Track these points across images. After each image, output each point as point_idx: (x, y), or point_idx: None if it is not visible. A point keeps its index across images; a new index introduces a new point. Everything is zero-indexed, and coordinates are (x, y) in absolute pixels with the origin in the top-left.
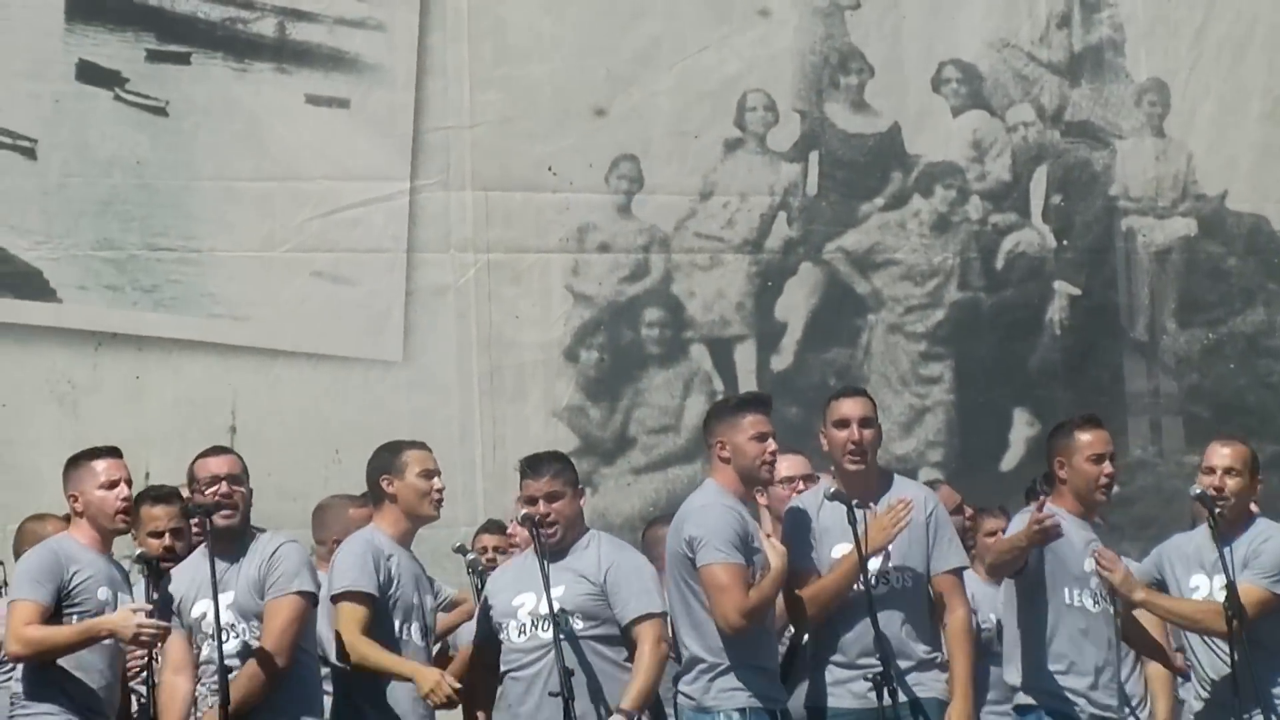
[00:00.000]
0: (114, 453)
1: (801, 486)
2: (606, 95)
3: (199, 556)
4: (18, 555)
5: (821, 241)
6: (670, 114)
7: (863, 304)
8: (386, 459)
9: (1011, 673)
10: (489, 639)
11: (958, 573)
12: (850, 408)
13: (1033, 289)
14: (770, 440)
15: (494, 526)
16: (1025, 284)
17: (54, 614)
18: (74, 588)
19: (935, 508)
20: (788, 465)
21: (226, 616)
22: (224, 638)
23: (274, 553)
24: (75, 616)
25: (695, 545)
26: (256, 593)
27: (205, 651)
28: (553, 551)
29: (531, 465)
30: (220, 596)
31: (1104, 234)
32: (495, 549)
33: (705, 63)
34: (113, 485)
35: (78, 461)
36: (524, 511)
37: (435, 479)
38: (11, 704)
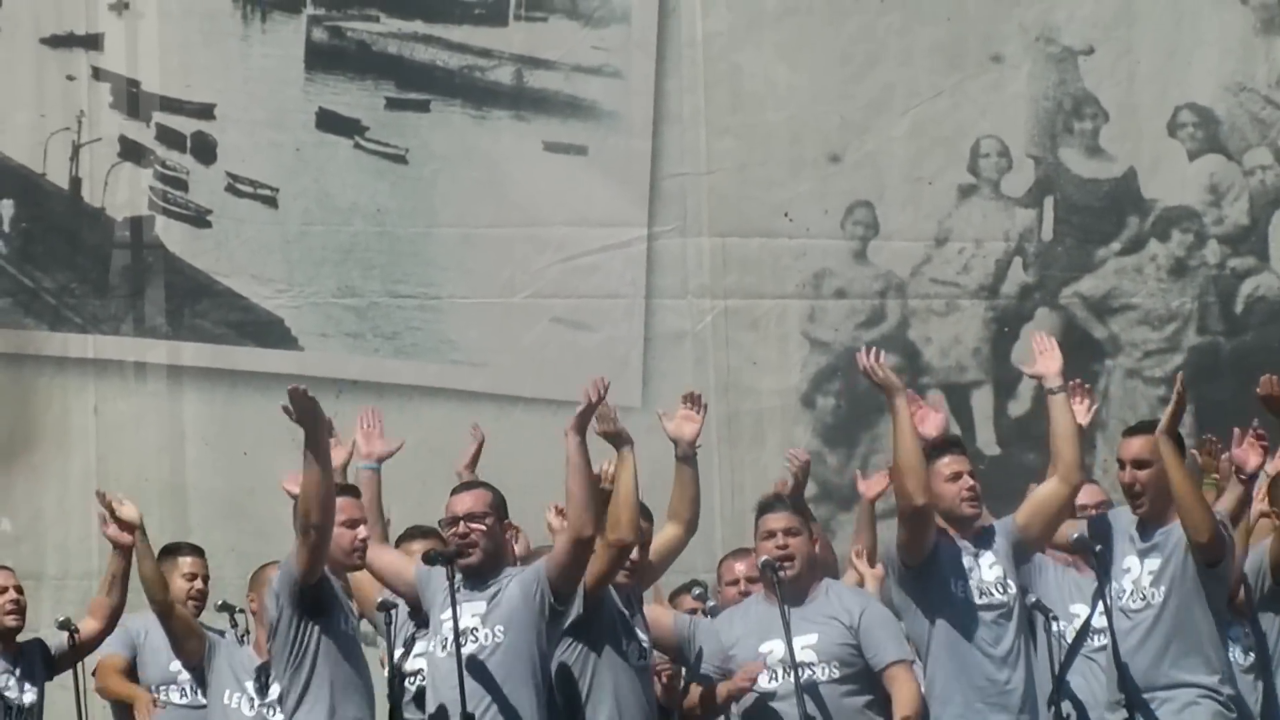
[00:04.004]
0: (352, 491)
1: (1092, 513)
2: (841, 142)
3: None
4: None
5: (1058, 287)
6: (904, 160)
7: (1100, 349)
8: None
9: None
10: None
11: None
12: (1127, 448)
13: (1273, 333)
14: (965, 478)
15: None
16: (1265, 328)
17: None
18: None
19: None
20: (1085, 494)
21: (472, 623)
22: (465, 641)
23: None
24: (342, 617)
25: None
26: (512, 601)
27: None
28: (791, 595)
29: (773, 499)
30: (467, 605)
31: None
32: None
33: (939, 109)
34: (353, 525)
35: None
36: (764, 558)
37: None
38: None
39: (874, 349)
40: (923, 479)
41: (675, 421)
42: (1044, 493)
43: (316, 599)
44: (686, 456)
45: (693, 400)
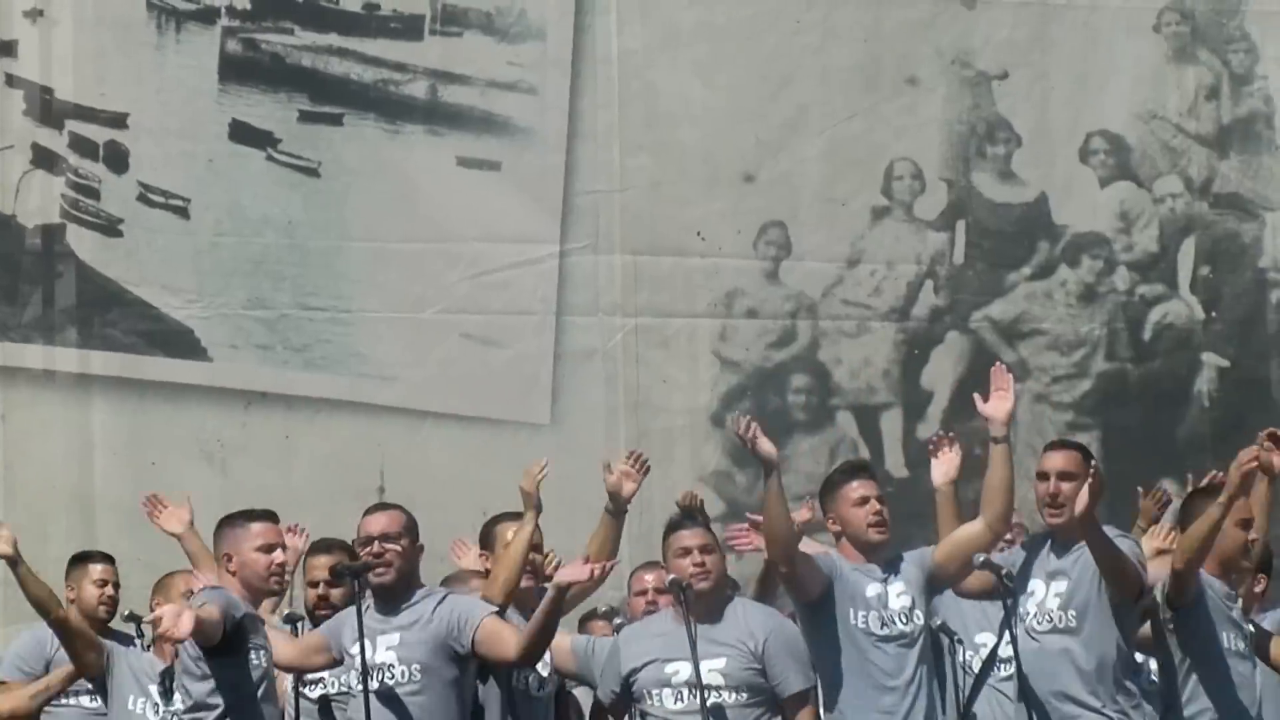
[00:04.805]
0: (270, 516)
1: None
2: (755, 161)
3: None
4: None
5: (968, 310)
6: (818, 181)
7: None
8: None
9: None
10: (621, 699)
11: None
12: (1051, 460)
13: (1181, 360)
14: (873, 502)
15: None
16: (1173, 355)
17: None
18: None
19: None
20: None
21: (387, 658)
22: (381, 676)
23: (440, 603)
24: (254, 652)
25: None
26: (429, 641)
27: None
28: (702, 613)
29: (686, 516)
30: (381, 638)
31: (1253, 306)
32: None
33: (853, 130)
34: (269, 549)
35: (234, 521)
36: (673, 576)
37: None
38: None
39: (748, 418)
40: (787, 549)
41: (616, 476)
42: (967, 535)
43: (228, 641)
44: (620, 513)
45: (637, 460)
